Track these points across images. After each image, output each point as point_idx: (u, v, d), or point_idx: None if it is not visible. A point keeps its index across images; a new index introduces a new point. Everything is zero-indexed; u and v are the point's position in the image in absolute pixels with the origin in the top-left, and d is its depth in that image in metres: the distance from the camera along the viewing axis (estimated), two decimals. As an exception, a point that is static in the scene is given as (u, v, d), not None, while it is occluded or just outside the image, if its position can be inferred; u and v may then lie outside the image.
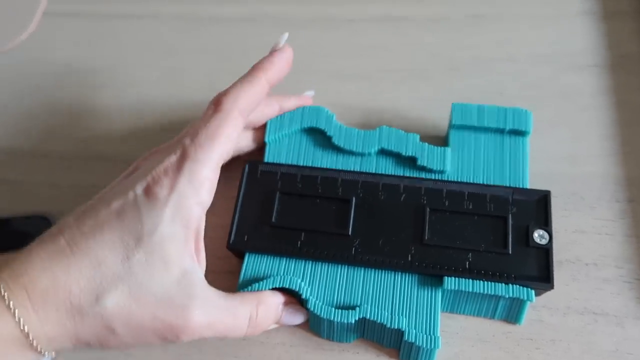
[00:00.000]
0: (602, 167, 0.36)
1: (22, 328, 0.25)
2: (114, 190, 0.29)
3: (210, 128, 0.29)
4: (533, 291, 0.30)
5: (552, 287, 0.30)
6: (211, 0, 0.46)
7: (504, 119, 0.34)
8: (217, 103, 0.30)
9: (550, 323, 0.32)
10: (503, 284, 0.30)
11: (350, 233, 0.32)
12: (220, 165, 0.30)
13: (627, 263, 0.33)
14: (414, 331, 0.30)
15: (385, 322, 0.30)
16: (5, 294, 0.25)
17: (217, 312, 0.29)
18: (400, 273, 0.31)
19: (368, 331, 0.32)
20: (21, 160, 0.41)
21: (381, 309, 0.30)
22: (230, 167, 0.34)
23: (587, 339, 0.31)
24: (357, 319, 0.30)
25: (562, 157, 0.36)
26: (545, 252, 0.31)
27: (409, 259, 0.31)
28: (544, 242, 0.31)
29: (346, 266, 0.32)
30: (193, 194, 0.28)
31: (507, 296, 0.30)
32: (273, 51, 0.33)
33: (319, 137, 0.36)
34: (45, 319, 0.26)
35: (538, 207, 0.32)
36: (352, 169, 0.35)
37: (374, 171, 0.34)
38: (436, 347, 0.29)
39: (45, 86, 0.44)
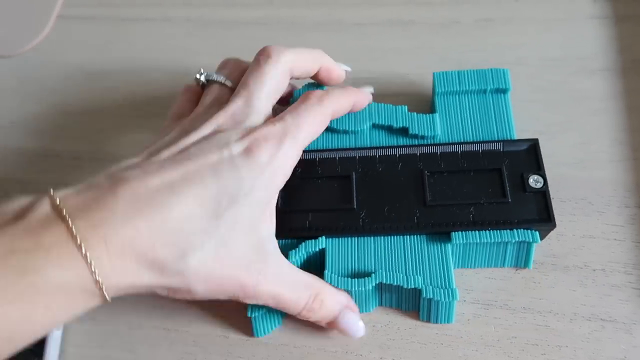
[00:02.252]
0: (612, 172, 0.35)
1: (96, 279, 0.24)
2: (199, 145, 0.28)
3: (312, 114, 0.31)
4: (537, 232, 0.31)
5: (554, 226, 0.31)
6: (222, 3, 0.46)
7: (484, 80, 0.36)
8: (322, 96, 0.31)
9: (557, 329, 0.31)
10: (508, 230, 0.31)
11: (355, 206, 0.33)
12: None
13: (636, 269, 0.32)
14: (431, 287, 0.31)
15: (401, 284, 0.31)
16: (82, 244, 0.23)
17: (285, 285, 0.29)
18: (409, 236, 0.32)
19: (386, 296, 0.33)
20: (33, 160, 0.42)
21: (396, 272, 0.31)
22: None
23: (594, 345, 0.31)
24: (374, 285, 0.31)
25: (572, 162, 0.36)
26: (543, 195, 0.32)
27: (415, 221, 0.32)
28: (539, 185, 0.32)
29: (356, 238, 0.33)
30: (285, 166, 0.29)
31: (513, 241, 0.31)
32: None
33: None
34: (122, 271, 0.25)
35: (529, 155, 0.34)
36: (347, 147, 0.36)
37: (368, 146, 0.36)
38: (454, 298, 0.30)
39: (58, 88, 0.45)
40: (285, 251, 0.32)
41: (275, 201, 0.31)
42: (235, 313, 0.33)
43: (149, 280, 0.26)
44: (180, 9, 0.47)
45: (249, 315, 0.32)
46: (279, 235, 0.32)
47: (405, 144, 0.35)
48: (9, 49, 0.47)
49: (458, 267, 0.34)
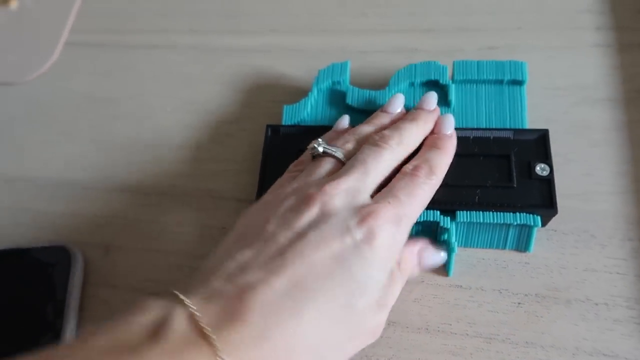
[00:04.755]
0: (614, 204, 0.36)
1: None
2: (317, 229, 0.28)
3: (424, 193, 0.31)
4: (539, 217, 0.33)
5: (556, 212, 0.33)
6: (227, 31, 0.47)
7: (502, 71, 0.38)
8: (429, 173, 0.32)
9: (559, 364, 0.32)
10: (510, 213, 0.33)
11: None
12: None
13: (639, 304, 0.33)
14: None
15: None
16: None
17: (390, 298, 0.30)
18: None
19: None
20: (42, 189, 0.42)
21: None
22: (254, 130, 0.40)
23: (596, 381, 0.31)
24: None
25: (574, 194, 0.36)
26: (548, 182, 0.34)
27: None
28: (545, 173, 0.34)
29: None
30: (401, 246, 0.30)
31: (515, 223, 0.33)
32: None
33: (333, 99, 0.39)
34: None
35: (538, 144, 0.35)
36: None
37: None
38: (452, 251, 0.33)
39: (66, 115, 0.45)
40: None
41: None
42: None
43: None
44: (185, 35, 0.47)
45: None
46: None
47: None
48: (17, 76, 0.47)
49: (461, 246, 0.35)
